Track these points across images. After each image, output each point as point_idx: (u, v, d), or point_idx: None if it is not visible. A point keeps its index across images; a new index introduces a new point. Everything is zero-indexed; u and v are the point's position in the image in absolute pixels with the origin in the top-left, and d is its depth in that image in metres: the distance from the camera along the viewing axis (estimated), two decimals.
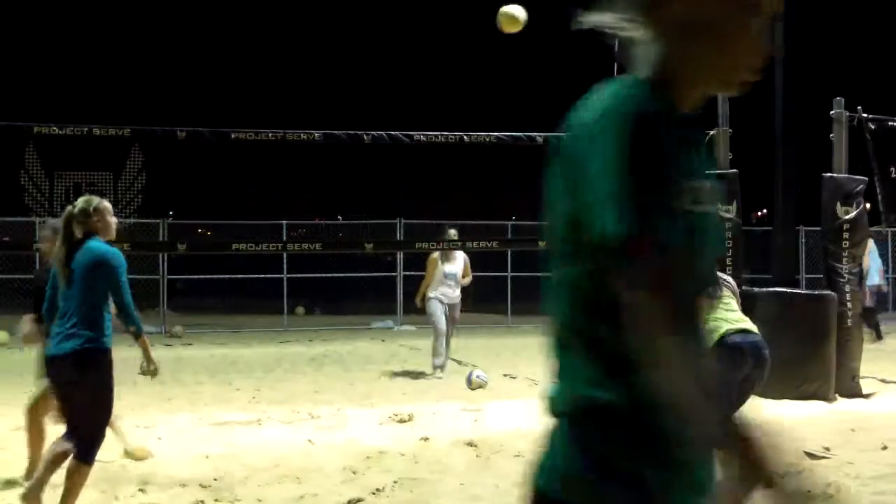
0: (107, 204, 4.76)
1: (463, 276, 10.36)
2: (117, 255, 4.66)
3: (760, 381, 4.78)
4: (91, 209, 4.63)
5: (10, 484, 5.39)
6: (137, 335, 4.81)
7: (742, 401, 4.53)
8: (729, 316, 5.05)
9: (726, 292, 5.10)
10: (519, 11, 7.09)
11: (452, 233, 10.37)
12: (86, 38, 32.04)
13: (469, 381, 9.33)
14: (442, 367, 10.26)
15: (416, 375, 10.49)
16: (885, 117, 9.11)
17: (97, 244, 4.62)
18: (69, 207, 4.77)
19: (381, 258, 18.21)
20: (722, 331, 4.80)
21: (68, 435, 4.66)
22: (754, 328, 4.93)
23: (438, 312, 10.22)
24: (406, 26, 36.88)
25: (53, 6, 31.88)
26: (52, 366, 4.67)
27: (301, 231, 18.55)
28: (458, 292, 10.40)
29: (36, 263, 16.14)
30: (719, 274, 5.21)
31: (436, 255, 10.19)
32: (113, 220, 4.76)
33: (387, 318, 17.48)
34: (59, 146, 8.17)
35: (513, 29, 7.09)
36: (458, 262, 10.28)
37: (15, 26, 30.35)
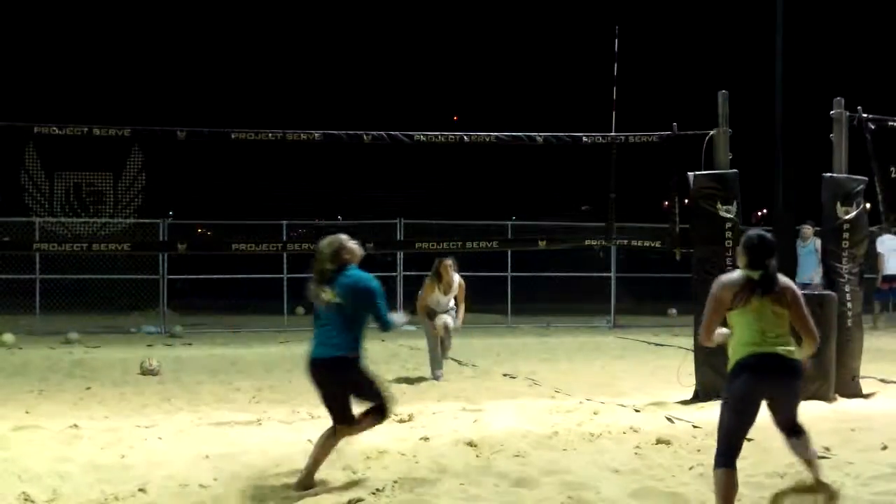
0: (344, 240, 5.52)
1: (458, 304, 10.16)
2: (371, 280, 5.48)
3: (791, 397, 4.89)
4: (337, 249, 5.45)
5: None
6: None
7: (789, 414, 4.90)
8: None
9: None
10: None
11: (449, 263, 9.92)
12: (86, 38, 32.03)
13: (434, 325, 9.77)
14: (438, 376, 10.24)
15: (416, 375, 10.49)
16: (885, 117, 9.10)
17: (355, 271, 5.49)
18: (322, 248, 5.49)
19: (381, 258, 18.19)
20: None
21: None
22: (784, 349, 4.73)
23: (432, 333, 10.17)
24: (406, 26, 36.87)
25: (53, 6, 31.87)
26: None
27: (301, 231, 18.55)
28: (451, 306, 10.20)
29: (36, 263, 16.18)
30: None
31: (432, 282, 9.96)
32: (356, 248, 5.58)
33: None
34: (59, 146, 8.17)
35: None
36: (452, 291, 10.01)
37: (15, 26, 30.33)
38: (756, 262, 4.77)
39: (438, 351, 10.25)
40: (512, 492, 5.19)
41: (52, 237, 8.70)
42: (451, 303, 10.15)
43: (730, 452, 4.73)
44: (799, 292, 4.89)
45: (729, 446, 4.74)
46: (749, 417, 4.72)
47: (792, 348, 4.75)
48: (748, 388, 4.68)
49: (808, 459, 5.08)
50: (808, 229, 13.17)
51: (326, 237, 5.58)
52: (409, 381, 10.10)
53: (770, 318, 4.71)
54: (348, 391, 5.46)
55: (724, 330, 4.81)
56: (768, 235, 4.94)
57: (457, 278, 10.03)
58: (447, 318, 9.97)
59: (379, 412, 5.52)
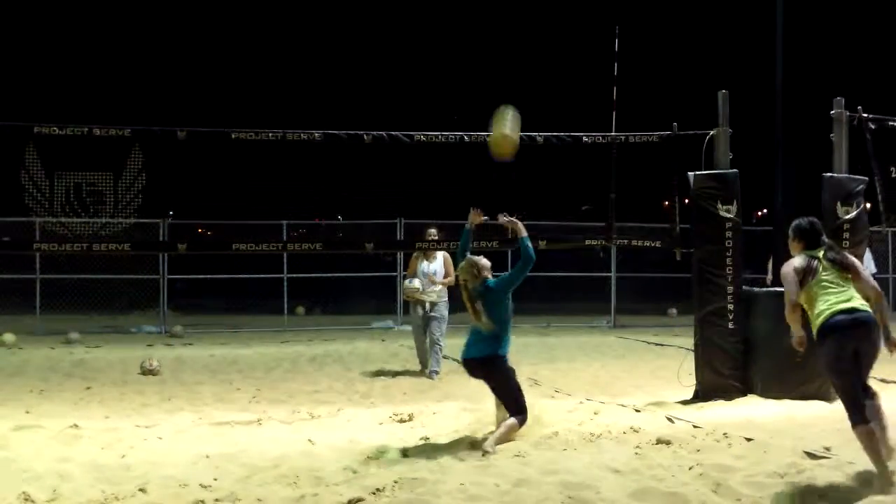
0: (475, 260, 6.89)
1: (445, 276, 10.34)
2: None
3: (872, 352, 5.30)
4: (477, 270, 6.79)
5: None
6: None
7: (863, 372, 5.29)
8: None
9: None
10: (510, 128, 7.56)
11: (432, 232, 10.40)
12: (86, 38, 32.03)
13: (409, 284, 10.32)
14: (430, 374, 10.31)
15: (417, 375, 10.49)
16: (885, 117, 9.09)
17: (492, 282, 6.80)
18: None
19: (381, 258, 18.20)
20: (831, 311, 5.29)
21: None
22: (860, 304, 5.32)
23: (415, 322, 10.53)
24: (406, 26, 36.86)
25: (53, 6, 31.87)
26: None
27: (301, 231, 18.55)
28: (442, 290, 10.41)
29: (36, 263, 16.19)
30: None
31: (416, 256, 10.35)
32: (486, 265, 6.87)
33: (387, 317, 17.47)
34: (59, 146, 8.17)
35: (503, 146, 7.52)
36: (437, 261, 10.34)
37: (15, 26, 30.33)
38: (813, 243, 5.52)
39: (424, 345, 10.40)
40: (512, 492, 5.19)
41: (52, 237, 8.69)
42: (438, 272, 10.36)
43: (856, 408, 5.18)
44: (855, 260, 5.59)
45: (853, 403, 5.20)
46: (851, 371, 5.20)
47: (865, 303, 5.28)
48: (838, 346, 5.19)
49: (881, 426, 5.33)
50: None
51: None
52: (410, 381, 10.10)
53: (839, 285, 5.34)
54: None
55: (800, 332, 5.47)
56: (815, 219, 5.68)
57: (441, 254, 10.32)
58: (416, 281, 10.33)
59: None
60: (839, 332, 5.19)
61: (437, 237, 10.31)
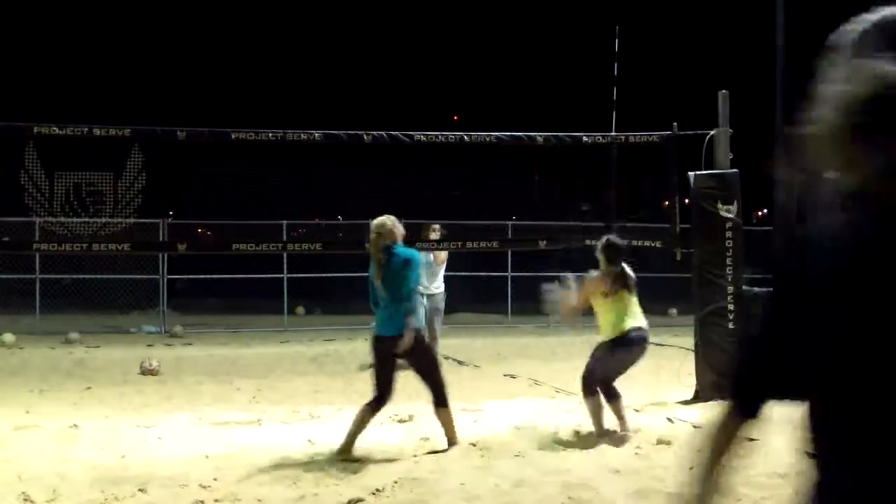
0: (392, 220, 6.33)
1: (438, 262, 10.59)
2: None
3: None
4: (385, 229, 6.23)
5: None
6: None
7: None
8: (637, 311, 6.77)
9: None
10: None
11: (436, 227, 10.47)
12: (86, 38, 32.03)
13: None
14: None
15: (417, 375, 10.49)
16: None
17: (402, 248, 6.29)
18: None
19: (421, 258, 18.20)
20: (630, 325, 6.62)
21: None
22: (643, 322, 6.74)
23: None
24: (406, 26, 36.87)
25: (53, 6, 31.88)
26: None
27: (301, 231, 18.53)
28: (437, 282, 10.59)
29: (36, 263, 16.17)
30: (627, 269, 6.78)
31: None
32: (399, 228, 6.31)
33: None
34: (59, 146, 8.17)
35: None
36: (436, 254, 10.48)
37: (15, 26, 30.34)
38: (615, 261, 6.75)
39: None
40: (512, 492, 5.19)
41: (52, 237, 8.69)
42: (432, 260, 10.46)
43: (594, 386, 6.61)
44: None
45: (600, 381, 6.60)
46: (619, 372, 6.68)
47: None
48: (633, 354, 6.63)
49: (621, 422, 6.67)
50: None
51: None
52: (410, 381, 10.10)
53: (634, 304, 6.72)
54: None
55: None
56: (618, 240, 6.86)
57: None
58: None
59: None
60: (636, 344, 6.61)
61: (439, 233, 10.41)
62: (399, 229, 6.31)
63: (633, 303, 6.73)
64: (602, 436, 6.54)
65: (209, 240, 18.34)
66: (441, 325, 10.94)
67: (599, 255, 6.85)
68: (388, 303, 6.21)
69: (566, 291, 6.88)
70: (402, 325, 6.07)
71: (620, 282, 6.65)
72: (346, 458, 5.98)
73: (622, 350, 6.61)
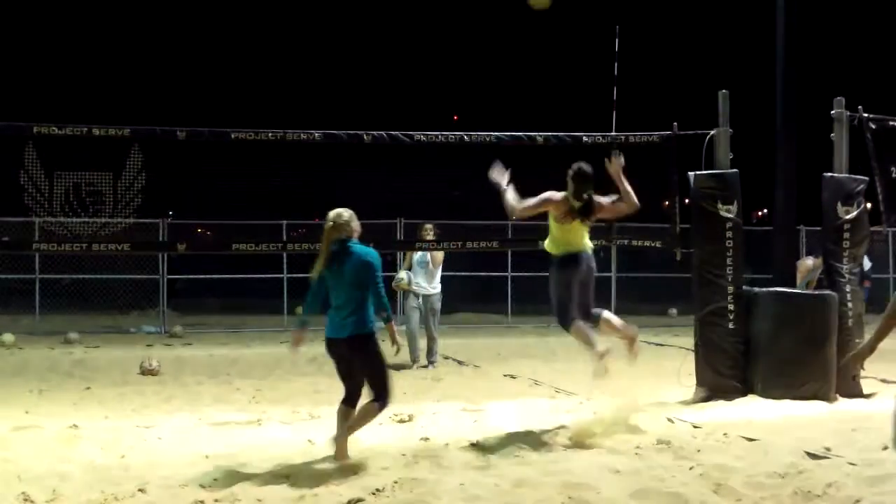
0: (349, 214, 5.98)
1: (436, 263, 10.87)
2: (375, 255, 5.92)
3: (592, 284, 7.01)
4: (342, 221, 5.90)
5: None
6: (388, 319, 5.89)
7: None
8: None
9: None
10: None
11: (428, 227, 10.63)
12: (86, 38, 32.03)
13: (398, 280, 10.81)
14: (429, 364, 10.60)
15: (417, 375, 10.50)
16: (885, 117, 9.10)
17: (359, 246, 5.92)
18: (329, 222, 5.95)
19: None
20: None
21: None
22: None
23: (411, 314, 11.02)
24: (406, 26, 36.86)
25: (53, 6, 31.87)
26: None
27: (301, 231, 18.52)
28: (434, 282, 10.81)
29: (36, 263, 16.17)
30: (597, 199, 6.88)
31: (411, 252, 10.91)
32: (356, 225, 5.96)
33: None
34: (58, 146, 8.17)
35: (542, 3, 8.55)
36: (426, 254, 10.72)
37: (15, 26, 30.33)
38: (579, 194, 6.79)
39: (416, 337, 10.74)
40: (512, 492, 5.19)
41: (51, 237, 8.69)
42: (428, 260, 10.79)
43: (569, 315, 6.83)
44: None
45: (565, 309, 6.82)
46: (573, 295, 6.83)
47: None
48: (581, 273, 6.85)
49: (620, 332, 7.47)
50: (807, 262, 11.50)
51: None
52: (410, 381, 10.09)
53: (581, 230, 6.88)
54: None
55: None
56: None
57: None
58: (402, 273, 10.90)
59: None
60: (577, 266, 6.84)
61: (432, 233, 10.56)
62: (356, 224, 5.99)
63: (584, 234, 6.94)
64: (601, 355, 6.86)
65: (209, 240, 18.33)
66: (437, 325, 11.07)
67: (569, 181, 6.85)
68: (342, 303, 5.88)
69: (505, 186, 6.95)
70: (358, 326, 5.79)
71: (577, 214, 6.80)
72: (343, 461, 5.84)
73: (569, 270, 6.82)
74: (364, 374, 5.93)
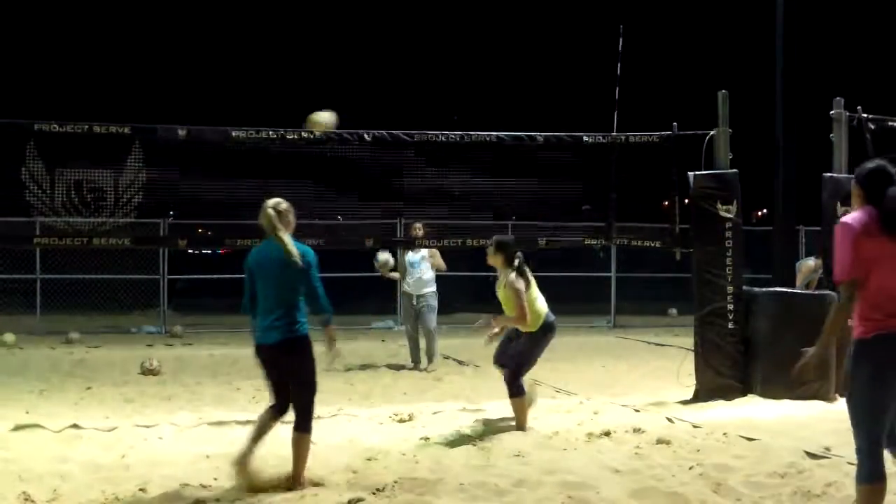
0: (286, 205, 5.44)
1: (434, 266, 10.94)
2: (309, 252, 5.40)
3: None
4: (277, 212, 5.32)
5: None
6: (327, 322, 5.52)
7: None
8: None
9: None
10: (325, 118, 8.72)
11: (417, 226, 10.60)
12: (86, 38, 32.04)
13: (376, 260, 10.81)
14: (429, 366, 10.60)
15: (417, 375, 10.51)
16: (884, 117, 9.10)
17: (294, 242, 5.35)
18: (268, 210, 5.37)
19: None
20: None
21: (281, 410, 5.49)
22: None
23: (408, 316, 11.09)
24: (406, 26, 36.87)
25: (53, 6, 31.89)
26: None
27: (301, 232, 18.53)
28: (426, 279, 11.00)
29: (37, 263, 16.17)
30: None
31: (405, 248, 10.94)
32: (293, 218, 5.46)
33: (387, 318, 17.47)
34: (59, 144, 8.17)
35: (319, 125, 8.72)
36: (421, 251, 10.80)
37: (15, 26, 30.35)
38: (513, 259, 7.12)
39: (416, 339, 10.74)
40: (512, 492, 5.19)
41: (52, 231, 8.70)
42: (420, 260, 10.89)
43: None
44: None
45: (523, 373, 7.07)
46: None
47: None
48: (551, 335, 7.17)
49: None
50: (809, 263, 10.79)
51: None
52: (410, 381, 10.10)
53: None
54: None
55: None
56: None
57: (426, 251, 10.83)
58: (384, 254, 10.98)
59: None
60: (551, 331, 7.13)
61: (422, 231, 10.57)
62: (293, 218, 5.44)
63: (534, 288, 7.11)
64: (523, 429, 6.87)
65: (209, 238, 18.33)
66: (435, 323, 11.05)
67: (497, 258, 7.11)
68: (271, 305, 5.32)
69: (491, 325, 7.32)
70: (288, 330, 5.28)
71: (525, 275, 7.05)
72: (242, 468, 5.21)
73: (549, 334, 7.08)
74: (290, 385, 5.38)
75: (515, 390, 6.92)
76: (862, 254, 3.90)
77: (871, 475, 3.92)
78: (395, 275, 11.08)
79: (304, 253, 5.36)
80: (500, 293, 7.14)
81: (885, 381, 3.91)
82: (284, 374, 5.40)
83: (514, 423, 6.97)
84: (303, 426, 5.39)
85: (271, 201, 5.38)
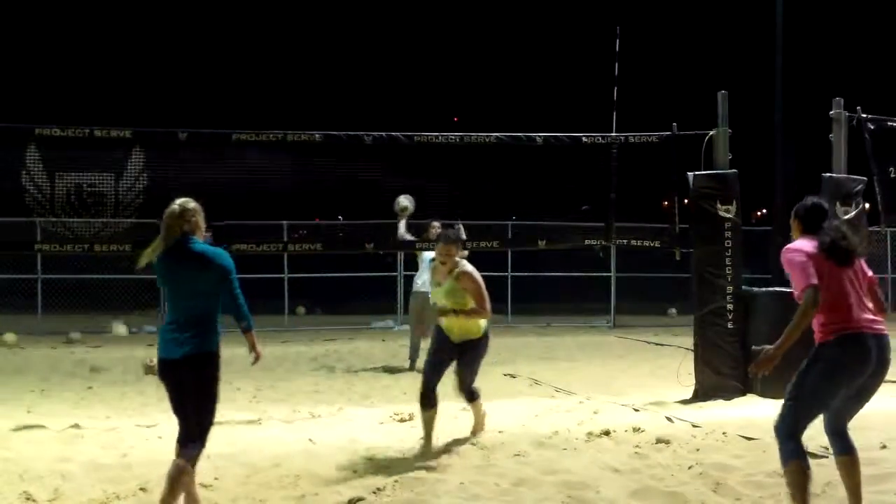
0: (195, 206, 5.00)
1: None
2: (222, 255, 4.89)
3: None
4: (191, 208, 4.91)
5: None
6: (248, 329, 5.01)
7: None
8: None
9: None
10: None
11: (436, 224, 10.23)
12: (86, 39, 32.05)
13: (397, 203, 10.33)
14: (418, 366, 10.64)
15: (416, 375, 10.50)
16: (884, 117, 9.11)
17: (202, 245, 4.88)
18: (173, 207, 5.03)
19: (381, 258, 18.21)
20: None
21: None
22: None
23: (413, 312, 10.87)
24: (406, 26, 36.88)
25: (53, 6, 31.90)
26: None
27: (301, 232, 18.54)
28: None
29: (37, 264, 16.19)
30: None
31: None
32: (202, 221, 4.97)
33: (387, 317, 17.48)
34: (60, 147, 8.20)
35: None
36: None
37: (15, 26, 30.36)
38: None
39: (417, 341, 10.65)
40: (512, 492, 5.21)
41: (53, 237, 8.71)
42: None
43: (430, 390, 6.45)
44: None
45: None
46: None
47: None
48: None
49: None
50: None
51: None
52: (410, 381, 10.11)
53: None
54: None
55: None
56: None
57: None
58: (407, 201, 10.40)
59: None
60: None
61: (440, 229, 10.29)
62: (202, 220, 5.01)
63: None
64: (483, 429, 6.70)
65: (210, 240, 18.35)
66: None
67: (453, 251, 6.31)
68: (179, 315, 4.82)
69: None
70: (198, 343, 4.69)
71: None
72: None
73: (487, 342, 6.65)
74: (192, 402, 4.69)
75: (474, 395, 6.67)
76: (815, 268, 4.51)
77: (797, 452, 4.46)
78: (402, 227, 10.57)
79: (218, 256, 4.87)
80: (447, 288, 6.29)
81: (835, 380, 4.51)
82: (187, 393, 4.68)
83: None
84: (191, 454, 4.64)
85: (179, 200, 4.97)
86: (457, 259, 6.33)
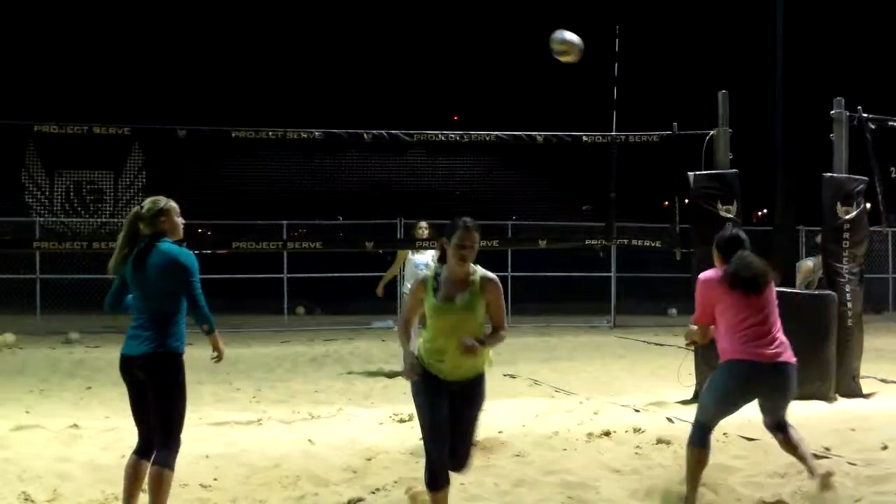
0: (174, 204, 4.84)
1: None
2: (189, 256, 4.79)
3: None
4: (159, 210, 4.74)
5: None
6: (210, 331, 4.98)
7: None
8: None
9: None
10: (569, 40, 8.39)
11: (423, 225, 10.09)
12: (86, 38, 32.04)
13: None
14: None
15: None
16: (885, 117, 9.11)
17: (168, 245, 4.77)
18: (136, 208, 4.89)
19: (381, 257, 18.20)
20: None
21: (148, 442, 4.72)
22: None
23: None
24: (406, 26, 36.88)
25: (53, 6, 31.89)
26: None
27: (301, 231, 18.53)
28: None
29: (36, 262, 16.17)
30: None
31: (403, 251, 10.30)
32: (180, 221, 4.87)
33: (387, 317, 17.45)
34: (59, 145, 8.19)
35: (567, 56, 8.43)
36: (427, 253, 9.94)
37: (15, 26, 30.35)
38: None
39: (413, 341, 10.40)
40: (512, 492, 5.19)
41: (52, 234, 8.71)
42: (429, 262, 10.18)
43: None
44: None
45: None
46: None
47: None
48: None
49: None
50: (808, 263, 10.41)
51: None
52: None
53: None
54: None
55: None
56: None
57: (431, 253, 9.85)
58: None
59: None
60: None
61: (427, 232, 10.14)
62: (178, 218, 4.87)
63: None
64: None
65: (209, 239, 18.34)
66: None
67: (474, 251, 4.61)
68: (142, 315, 4.79)
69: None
70: (159, 342, 4.69)
71: None
72: None
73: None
74: (154, 406, 4.65)
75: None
76: (712, 302, 4.95)
77: (703, 440, 4.90)
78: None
79: (182, 255, 4.77)
80: (465, 304, 4.53)
81: (728, 398, 4.92)
82: (145, 393, 4.66)
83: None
84: (164, 459, 4.54)
85: (149, 200, 4.84)
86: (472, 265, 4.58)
